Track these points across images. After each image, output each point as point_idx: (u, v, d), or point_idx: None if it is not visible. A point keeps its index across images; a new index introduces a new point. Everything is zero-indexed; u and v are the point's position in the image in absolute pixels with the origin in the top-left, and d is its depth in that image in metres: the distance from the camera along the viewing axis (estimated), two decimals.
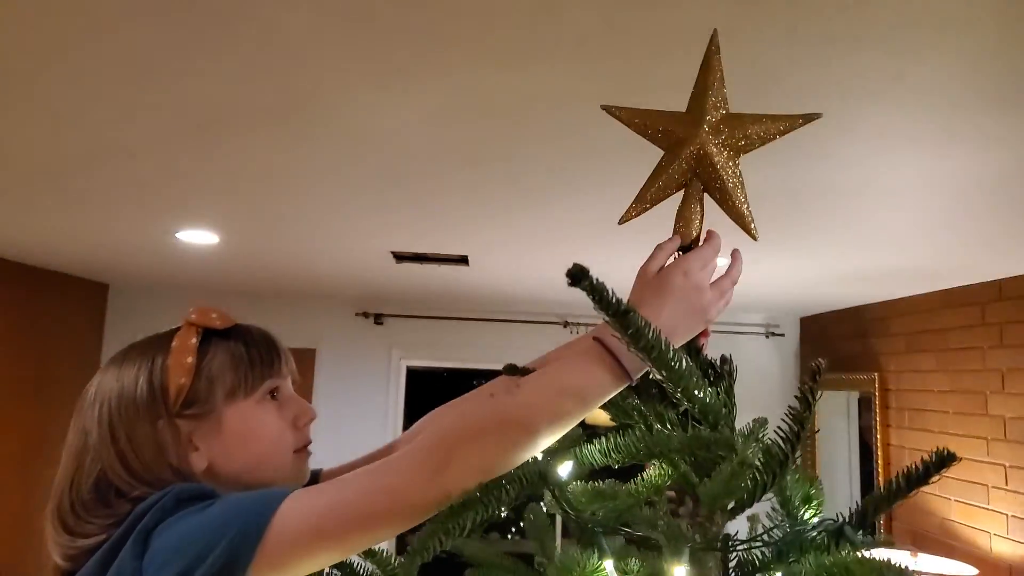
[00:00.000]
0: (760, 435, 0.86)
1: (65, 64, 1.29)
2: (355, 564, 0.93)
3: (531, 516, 1.07)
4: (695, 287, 0.83)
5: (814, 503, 0.79)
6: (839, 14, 1.06)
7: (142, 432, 0.88)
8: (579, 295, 0.69)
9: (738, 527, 0.83)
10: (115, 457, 0.87)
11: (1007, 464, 2.93)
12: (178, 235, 2.81)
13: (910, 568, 0.66)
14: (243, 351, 0.94)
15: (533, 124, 1.53)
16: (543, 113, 1.47)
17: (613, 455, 0.79)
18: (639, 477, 0.85)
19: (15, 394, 3.76)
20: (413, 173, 1.91)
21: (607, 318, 0.70)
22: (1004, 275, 2.98)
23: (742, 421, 0.88)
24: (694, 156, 0.87)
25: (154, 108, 1.50)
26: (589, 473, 0.85)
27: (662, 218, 0.95)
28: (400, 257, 3.13)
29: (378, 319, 4.77)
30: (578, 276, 0.67)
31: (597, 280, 0.68)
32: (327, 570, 0.84)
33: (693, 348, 0.86)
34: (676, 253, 0.88)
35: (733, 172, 0.88)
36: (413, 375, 4.94)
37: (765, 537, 0.79)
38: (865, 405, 3.99)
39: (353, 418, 4.64)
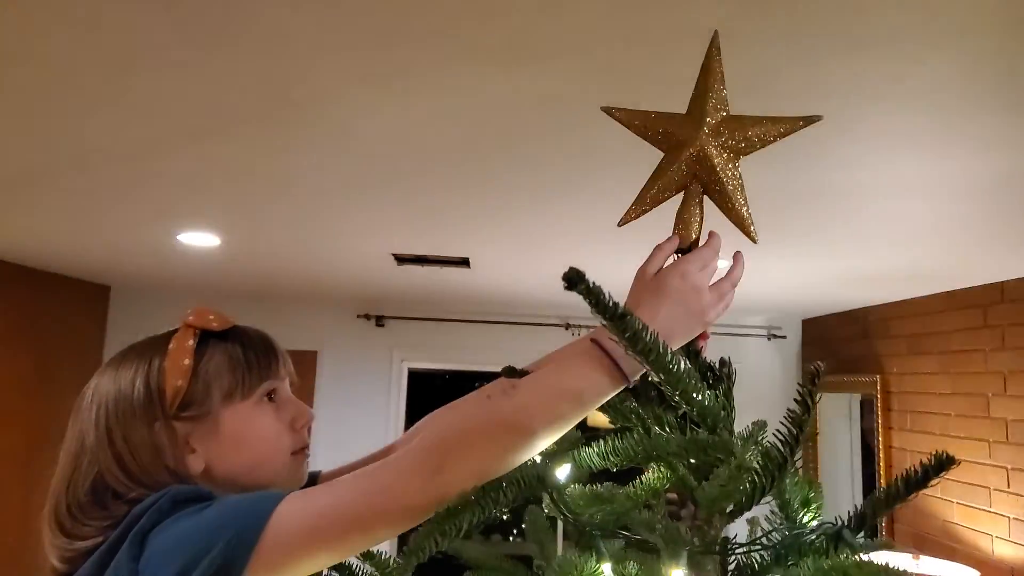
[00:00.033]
0: (759, 438, 0.86)
1: (65, 64, 1.29)
2: (353, 566, 0.92)
3: (531, 519, 1.07)
4: (693, 289, 0.83)
5: (813, 506, 0.79)
6: (839, 16, 1.06)
7: (139, 434, 0.88)
8: (579, 298, 0.68)
9: (737, 530, 0.83)
10: (112, 459, 0.87)
11: (1009, 466, 2.92)
12: (179, 237, 2.81)
13: (911, 571, 0.66)
14: (240, 353, 0.94)
15: (533, 124, 1.53)
16: (543, 113, 1.47)
17: (611, 458, 0.79)
18: (637, 480, 0.84)
19: (18, 396, 3.76)
20: (413, 173, 1.91)
21: (604, 321, 0.70)
22: (1006, 277, 2.97)
23: (745, 423, 0.88)
24: (694, 158, 0.87)
25: (155, 109, 1.50)
26: (587, 476, 0.85)
27: (663, 219, 0.95)
28: (401, 259, 3.13)
29: (379, 321, 4.77)
30: (574, 280, 0.66)
31: (593, 283, 0.67)
32: (325, 572, 0.84)
33: (692, 351, 0.86)
34: (675, 255, 0.88)
35: (733, 174, 0.88)
36: (414, 377, 4.94)
37: (764, 540, 0.79)
38: (867, 407, 3.98)
39: (354, 420, 4.64)
